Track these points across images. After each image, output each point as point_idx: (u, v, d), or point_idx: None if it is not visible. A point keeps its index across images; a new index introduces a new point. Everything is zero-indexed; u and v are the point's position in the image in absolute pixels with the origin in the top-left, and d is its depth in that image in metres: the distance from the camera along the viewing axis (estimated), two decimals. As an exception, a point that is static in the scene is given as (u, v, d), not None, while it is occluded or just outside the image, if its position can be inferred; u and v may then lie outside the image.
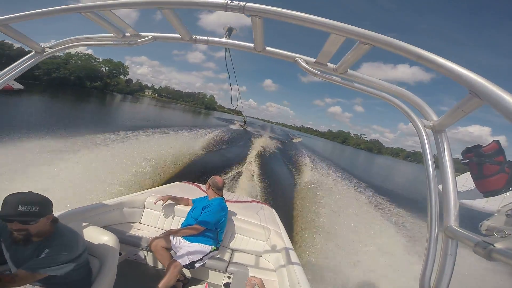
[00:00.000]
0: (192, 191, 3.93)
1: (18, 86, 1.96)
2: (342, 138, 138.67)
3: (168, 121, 28.94)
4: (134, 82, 73.05)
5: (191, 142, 12.80)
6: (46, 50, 1.42)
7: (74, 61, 53.56)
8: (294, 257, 2.58)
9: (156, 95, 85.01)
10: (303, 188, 9.90)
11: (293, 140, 42.19)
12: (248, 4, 0.84)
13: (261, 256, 3.02)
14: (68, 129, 9.71)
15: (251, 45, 1.18)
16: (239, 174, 10.11)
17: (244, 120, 32.44)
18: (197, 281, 2.66)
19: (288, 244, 2.92)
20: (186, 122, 31.01)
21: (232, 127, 35.16)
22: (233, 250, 3.02)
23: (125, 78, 68.03)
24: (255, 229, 3.05)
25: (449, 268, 0.84)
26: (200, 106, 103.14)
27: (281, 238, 3.02)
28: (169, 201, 3.09)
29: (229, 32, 1.18)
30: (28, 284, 1.49)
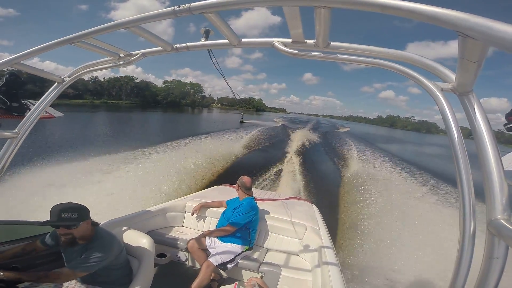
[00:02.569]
0: (230, 192, 4.02)
1: (58, 114, 2.28)
2: (389, 122, 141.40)
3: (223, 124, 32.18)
4: (207, 97, 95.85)
5: (232, 144, 13.22)
6: (65, 80, 1.62)
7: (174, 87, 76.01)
8: (331, 256, 2.41)
9: (219, 104, 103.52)
10: (348, 181, 9.31)
11: (339, 130, 40.09)
12: (193, 4, 0.82)
13: (297, 255, 2.93)
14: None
15: (226, 41, 1.16)
16: (279, 172, 10.04)
17: (241, 115, 40.35)
18: (231, 281, 2.72)
19: (326, 242, 2.75)
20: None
21: (273, 124, 35.53)
22: (267, 250, 3.00)
23: (201, 95, 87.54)
24: (289, 227, 2.98)
25: (494, 276, 0.65)
26: (252, 109, 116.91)
27: (319, 236, 2.86)
28: (204, 206, 3.25)
29: (206, 34, 1.18)
30: (75, 280, 1.76)
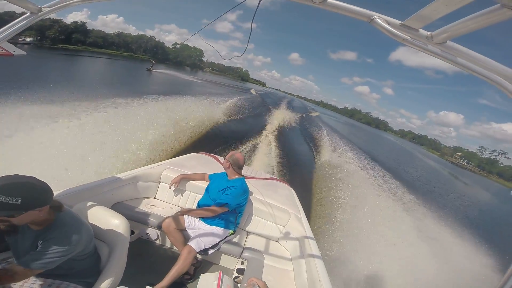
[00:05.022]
0: (210, 163, 3.69)
1: (19, 52, 1.65)
2: (350, 113, 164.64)
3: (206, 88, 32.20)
4: (205, 61, 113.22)
5: (212, 109, 12.48)
6: (42, 10, 1.25)
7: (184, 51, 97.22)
8: (314, 246, 2.31)
9: (209, 69, 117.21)
10: (322, 166, 9.53)
11: (311, 114, 41.09)
12: None
13: (277, 241, 2.80)
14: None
15: None
16: (256, 147, 9.84)
17: (152, 62, 39.98)
18: (209, 264, 2.51)
19: (308, 231, 2.64)
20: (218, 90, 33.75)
21: (250, 95, 36.29)
22: (248, 233, 2.81)
23: (200, 59, 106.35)
24: (273, 212, 2.78)
25: None
26: (237, 78, 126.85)
27: (301, 224, 2.74)
28: (185, 179, 2.86)
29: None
30: (31, 277, 1.32)
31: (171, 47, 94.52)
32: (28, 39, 51.67)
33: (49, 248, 1.22)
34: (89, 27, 66.99)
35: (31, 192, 1.15)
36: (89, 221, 1.59)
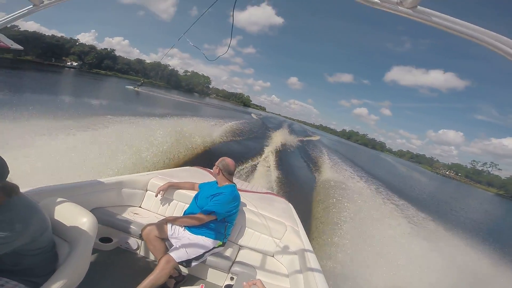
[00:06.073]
0: (203, 176, 3.51)
1: (16, 46, 1.67)
2: (347, 135, 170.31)
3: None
4: (212, 88, 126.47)
5: (211, 129, 12.49)
6: (44, 2, 1.24)
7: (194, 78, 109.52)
8: (313, 261, 2.07)
9: (215, 95, 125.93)
10: (321, 185, 9.23)
11: (311, 138, 41.13)
12: None
13: (272, 256, 2.54)
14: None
15: None
16: (255, 166, 9.62)
17: (141, 82, 42.53)
18: (194, 279, 2.23)
19: (307, 244, 2.40)
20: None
21: (251, 117, 38.95)
22: (240, 247, 2.56)
23: (207, 86, 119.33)
24: (268, 224, 2.56)
25: None
26: (239, 103, 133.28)
27: (299, 237, 2.50)
28: (173, 187, 2.69)
29: None
30: None
31: (182, 74, 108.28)
32: (74, 63, 64.70)
33: None
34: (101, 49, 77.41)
35: None
36: (55, 217, 1.44)
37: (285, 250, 2.45)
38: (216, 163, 2.46)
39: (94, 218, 1.45)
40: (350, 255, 4.73)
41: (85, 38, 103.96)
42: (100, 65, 72.05)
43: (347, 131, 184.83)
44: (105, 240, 2.25)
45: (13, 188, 1.18)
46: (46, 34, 64.00)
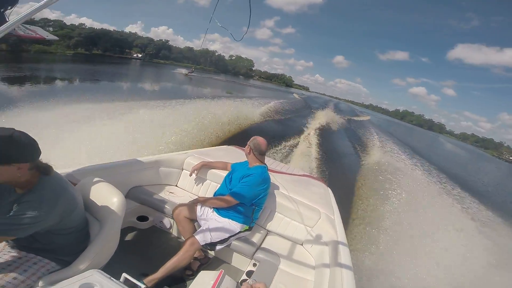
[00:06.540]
0: (239, 156, 3.43)
1: (51, 37, 1.73)
2: (401, 116, 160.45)
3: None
4: (255, 70, 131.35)
5: (253, 109, 12.41)
6: None
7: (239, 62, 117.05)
8: (345, 255, 1.83)
9: (258, 77, 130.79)
10: (368, 170, 8.47)
11: (360, 118, 37.93)
12: None
13: (301, 245, 2.36)
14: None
15: None
16: (294, 145, 9.29)
17: (192, 69, 43.45)
18: (219, 262, 2.20)
19: (341, 236, 2.15)
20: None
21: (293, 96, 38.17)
22: (268, 232, 2.43)
23: (251, 68, 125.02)
24: (300, 210, 2.36)
25: None
26: (281, 84, 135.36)
27: (333, 227, 2.25)
28: (206, 166, 2.66)
29: None
30: (4, 243, 1.24)
31: (228, 58, 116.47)
32: (139, 55, 75.21)
33: (19, 212, 1.09)
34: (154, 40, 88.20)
35: (8, 144, 1.04)
36: (90, 197, 1.48)
37: (316, 240, 2.25)
38: (248, 142, 2.31)
39: (123, 198, 1.45)
40: (391, 248, 4.28)
41: (134, 29, 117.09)
42: (158, 55, 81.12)
43: (400, 111, 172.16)
44: (142, 218, 2.36)
45: (46, 168, 1.20)
46: (110, 30, 74.35)
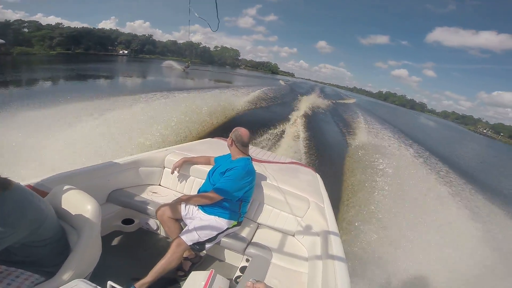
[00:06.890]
0: (223, 148, 3.32)
1: None
2: (384, 97, 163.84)
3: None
4: (241, 59, 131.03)
5: (238, 98, 12.17)
6: None
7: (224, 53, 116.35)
8: (336, 246, 1.78)
9: (244, 66, 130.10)
10: (355, 152, 8.58)
11: (345, 101, 38.33)
12: None
13: (293, 236, 2.32)
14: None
15: None
16: (281, 133, 9.24)
17: (188, 64, 41.54)
18: (211, 260, 2.14)
19: (332, 225, 2.10)
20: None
21: (279, 83, 37.83)
22: (258, 225, 2.38)
23: (237, 58, 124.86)
24: (289, 200, 2.30)
25: None
26: (267, 71, 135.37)
27: (323, 215, 2.20)
28: (188, 162, 2.54)
29: None
30: None
31: (213, 50, 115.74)
32: (125, 51, 74.33)
33: None
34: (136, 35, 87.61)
35: None
36: (63, 206, 1.41)
37: (307, 230, 2.21)
38: (230, 134, 2.20)
39: (97, 204, 1.39)
40: (383, 228, 4.36)
41: (108, 25, 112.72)
42: (143, 50, 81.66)
43: (383, 92, 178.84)
44: (128, 221, 2.25)
45: (3, 183, 1.12)
46: (91, 28, 74.61)
